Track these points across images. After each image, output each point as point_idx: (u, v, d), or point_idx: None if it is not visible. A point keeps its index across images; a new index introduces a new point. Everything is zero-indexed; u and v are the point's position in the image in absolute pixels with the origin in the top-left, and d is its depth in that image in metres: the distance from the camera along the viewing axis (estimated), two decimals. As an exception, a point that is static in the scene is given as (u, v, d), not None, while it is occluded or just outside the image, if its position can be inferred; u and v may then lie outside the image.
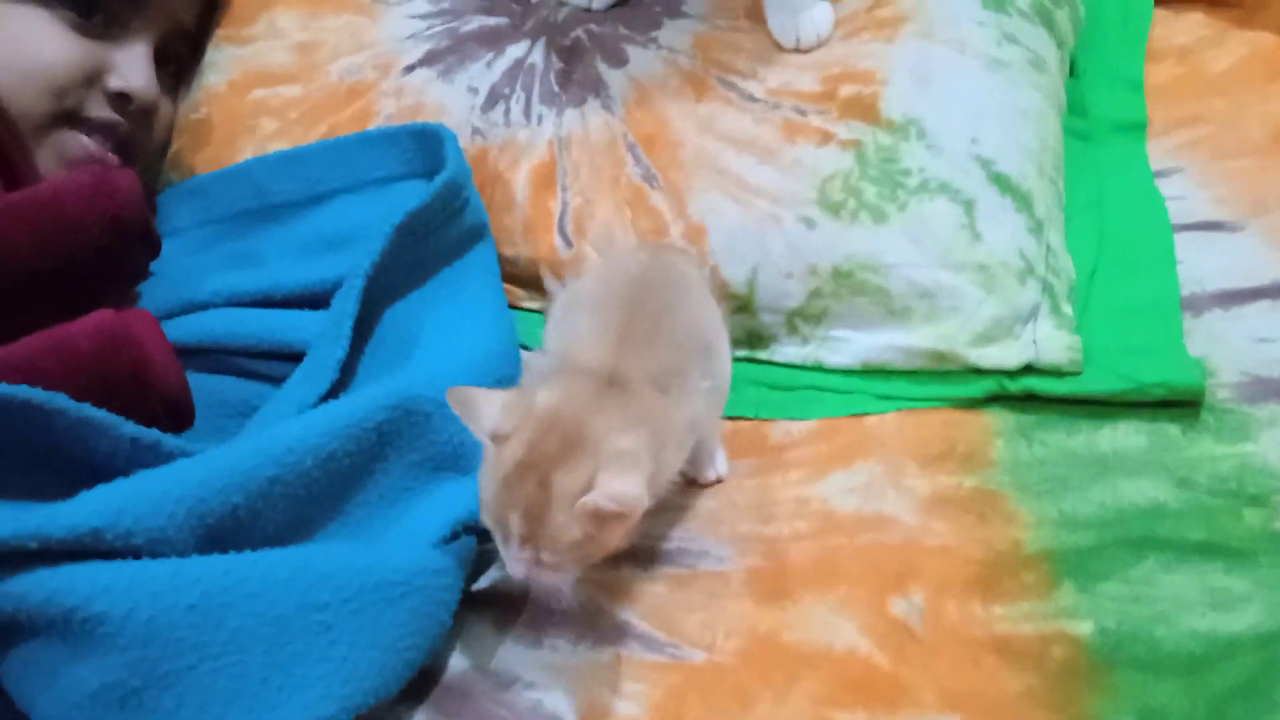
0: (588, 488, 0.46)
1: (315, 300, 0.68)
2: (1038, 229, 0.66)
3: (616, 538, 0.48)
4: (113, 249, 0.65)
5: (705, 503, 0.62)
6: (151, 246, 0.70)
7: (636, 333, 0.53)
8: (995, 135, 0.68)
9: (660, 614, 0.55)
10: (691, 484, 0.62)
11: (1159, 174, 0.75)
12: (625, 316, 0.54)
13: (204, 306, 0.69)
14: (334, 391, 0.59)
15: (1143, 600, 0.53)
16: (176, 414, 0.58)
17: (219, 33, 0.81)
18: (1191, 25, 0.85)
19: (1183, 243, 0.70)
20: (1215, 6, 0.85)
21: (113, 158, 0.74)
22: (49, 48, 0.72)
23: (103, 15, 0.73)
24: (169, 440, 0.51)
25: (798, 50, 0.74)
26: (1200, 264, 0.69)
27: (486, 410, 0.48)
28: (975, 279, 0.65)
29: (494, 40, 0.80)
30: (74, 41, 0.73)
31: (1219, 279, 0.68)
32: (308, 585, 0.47)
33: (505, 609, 0.56)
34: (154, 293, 0.71)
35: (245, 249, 0.74)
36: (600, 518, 0.46)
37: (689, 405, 0.54)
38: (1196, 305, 0.67)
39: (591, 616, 0.55)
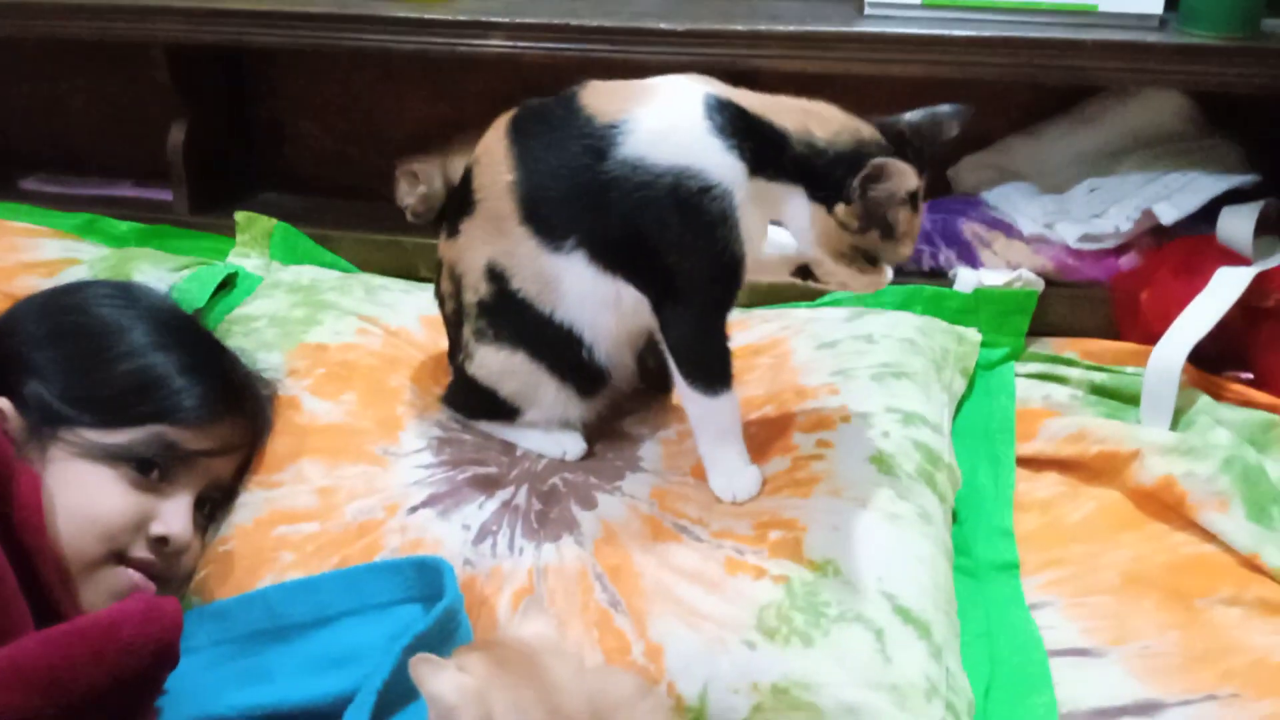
0: None
1: (318, 714, 0.77)
2: (937, 654, 0.80)
3: None
4: (155, 671, 0.75)
5: None
6: (173, 664, 0.79)
7: None
8: (897, 575, 0.83)
9: None
10: None
11: (1033, 606, 0.90)
12: None
13: (219, 720, 0.78)
14: (345, 797, 0.67)
15: None
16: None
17: (252, 478, 0.96)
18: (1049, 483, 1.05)
19: (1058, 666, 0.84)
20: (1065, 469, 1.06)
21: (151, 586, 0.86)
22: (109, 501, 0.84)
23: (158, 473, 0.87)
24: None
25: (734, 503, 0.91)
26: (1074, 686, 0.82)
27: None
28: (890, 698, 0.76)
29: (485, 486, 0.96)
30: (130, 495, 0.85)
31: (1090, 699, 0.81)
32: None
33: None
34: (174, 707, 0.80)
35: (255, 666, 0.83)
36: None
37: None
38: (1075, 722, 0.80)
39: None
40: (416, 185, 1.49)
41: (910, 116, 0.87)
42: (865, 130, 0.84)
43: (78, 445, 0.84)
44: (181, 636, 0.84)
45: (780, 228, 0.91)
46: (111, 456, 0.85)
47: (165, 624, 0.74)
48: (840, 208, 0.83)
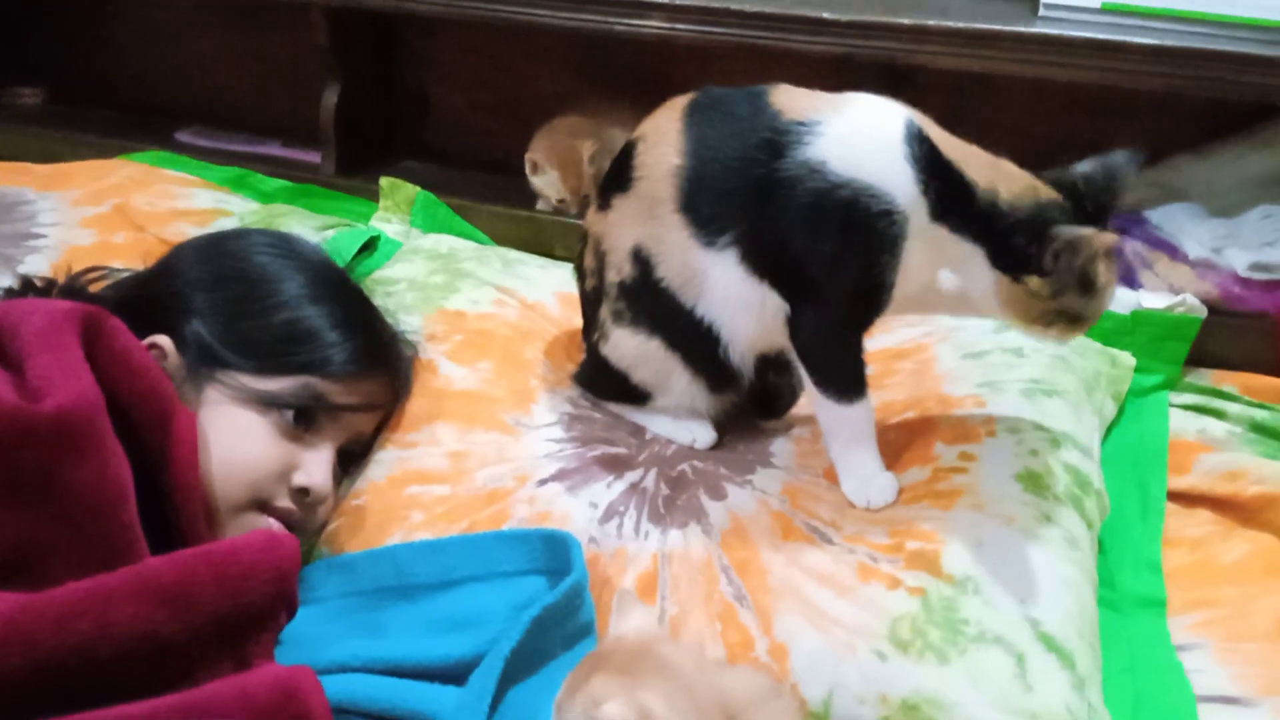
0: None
1: (436, 674, 0.77)
2: (1080, 686, 0.76)
3: None
4: (272, 600, 0.75)
5: None
6: (291, 609, 0.80)
7: None
8: (1041, 598, 0.80)
9: None
10: None
11: (1180, 647, 0.85)
12: None
13: (339, 669, 0.78)
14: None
15: None
16: (327, 767, 0.66)
17: (387, 436, 0.97)
18: (1201, 521, 0.99)
19: (1205, 712, 0.79)
20: (1219, 507, 1.00)
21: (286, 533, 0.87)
22: (259, 447, 0.86)
23: (305, 423, 0.88)
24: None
25: (868, 509, 0.88)
26: (1223, 734, 0.78)
27: None
28: (1028, 725, 0.73)
29: (614, 465, 0.95)
30: (278, 443, 0.87)
31: (1242, 752, 0.77)
32: None
33: None
34: (294, 650, 0.81)
35: (376, 620, 0.84)
36: None
37: None
38: (1223, 777, 0.75)
39: None
40: (589, 163, 1.38)
41: (1083, 168, 0.81)
42: (1044, 191, 0.80)
43: (233, 389, 0.86)
44: (309, 587, 0.86)
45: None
46: (263, 403, 0.86)
47: (283, 554, 0.75)
48: (1033, 280, 0.78)
